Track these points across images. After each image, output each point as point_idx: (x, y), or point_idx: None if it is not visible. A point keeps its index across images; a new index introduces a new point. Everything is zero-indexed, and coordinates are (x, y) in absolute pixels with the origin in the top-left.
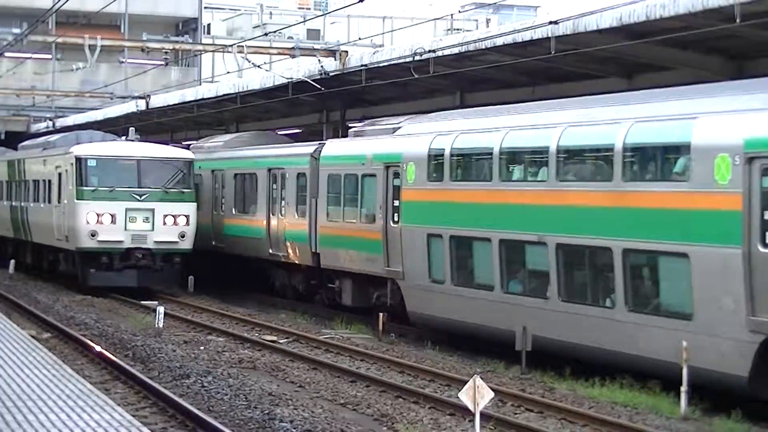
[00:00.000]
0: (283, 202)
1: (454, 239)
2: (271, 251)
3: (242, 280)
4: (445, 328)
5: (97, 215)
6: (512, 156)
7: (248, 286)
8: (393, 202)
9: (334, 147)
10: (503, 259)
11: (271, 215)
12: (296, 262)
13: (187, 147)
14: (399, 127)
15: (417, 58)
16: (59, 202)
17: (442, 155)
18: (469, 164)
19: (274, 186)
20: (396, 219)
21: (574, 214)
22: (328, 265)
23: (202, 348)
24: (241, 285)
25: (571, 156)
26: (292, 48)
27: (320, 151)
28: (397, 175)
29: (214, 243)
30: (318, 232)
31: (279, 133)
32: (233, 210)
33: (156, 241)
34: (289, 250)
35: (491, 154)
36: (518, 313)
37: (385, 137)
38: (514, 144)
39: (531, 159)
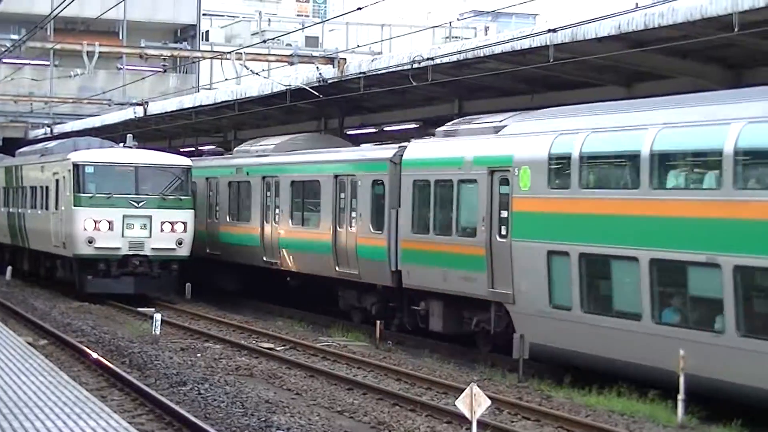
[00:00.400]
0: (353, 213)
1: (585, 258)
2: (337, 268)
3: (301, 299)
4: (570, 362)
5: (95, 222)
6: (668, 159)
7: (308, 306)
8: (500, 213)
9: (419, 150)
10: (655, 282)
11: (337, 228)
12: (369, 281)
13: (227, 151)
14: (503, 126)
15: (415, 65)
16: (57, 208)
17: (569, 158)
18: (605, 169)
19: (342, 195)
20: (504, 232)
21: (762, 230)
22: (411, 285)
23: (199, 355)
24: (301, 305)
25: (756, 159)
26: (291, 55)
27: (402, 155)
28: (505, 181)
29: (265, 258)
30: (400, 247)
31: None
32: (290, 222)
33: (153, 248)
34: (361, 267)
35: (638, 156)
36: (676, 347)
37: (487, 137)
38: (671, 144)
39: (695, 162)
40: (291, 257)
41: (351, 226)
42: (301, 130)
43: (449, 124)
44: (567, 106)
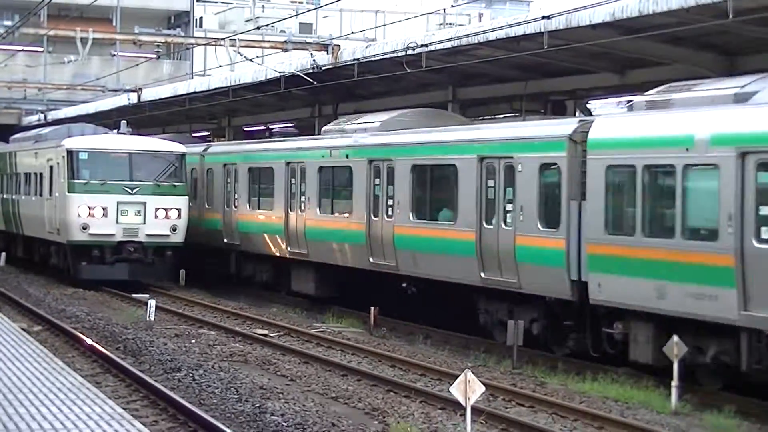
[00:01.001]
0: (509, 205)
1: None
2: (483, 274)
3: (421, 308)
4: None
5: (89, 208)
6: None
7: (444, 323)
8: (757, 210)
9: (615, 125)
10: None
11: (483, 225)
12: (535, 291)
13: (313, 131)
14: (752, 92)
15: (409, 52)
16: (51, 195)
17: None
18: None
19: (491, 182)
20: (766, 236)
21: None
22: (604, 301)
23: (193, 341)
24: (434, 320)
25: None
26: (285, 42)
27: (586, 132)
28: (765, 166)
29: (373, 260)
30: (585, 251)
31: (272, 127)
32: (410, 215)
33: (147, 235)
34: (521, 274)
35: None
36: None
37: (729, 108)
38: None
39: None
40: (413, 259)
41: (505, 222)
42: (295, 117)
43: (653, 92)
44: None
